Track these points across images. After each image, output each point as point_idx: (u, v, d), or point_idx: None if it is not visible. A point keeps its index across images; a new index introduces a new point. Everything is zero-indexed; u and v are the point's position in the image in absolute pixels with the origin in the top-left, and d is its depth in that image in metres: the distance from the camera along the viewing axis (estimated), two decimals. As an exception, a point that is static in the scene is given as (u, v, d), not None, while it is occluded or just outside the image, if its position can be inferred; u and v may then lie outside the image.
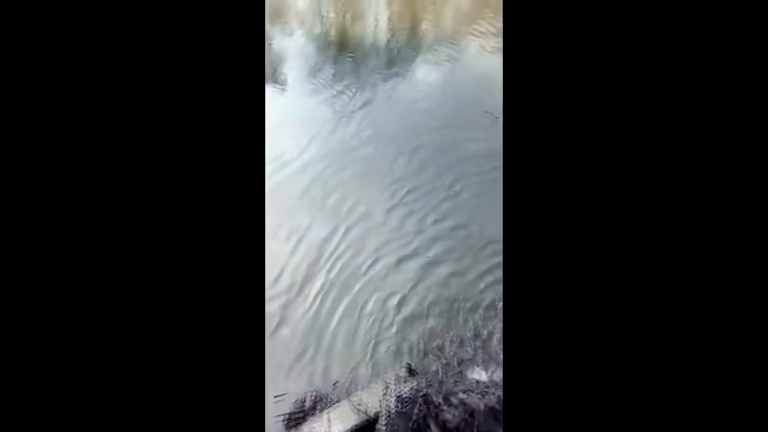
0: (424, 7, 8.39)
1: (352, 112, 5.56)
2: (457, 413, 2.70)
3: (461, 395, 2.80)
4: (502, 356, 3.20)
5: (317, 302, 3.59)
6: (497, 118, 5.36)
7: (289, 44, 7.11)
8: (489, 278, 3.73)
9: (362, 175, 4.69)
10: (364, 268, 3.82)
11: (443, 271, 3.82)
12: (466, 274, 3.78)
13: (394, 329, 3.43)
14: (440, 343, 3.34)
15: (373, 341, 3.36)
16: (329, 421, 2.80)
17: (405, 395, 2.81)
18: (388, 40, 7.30)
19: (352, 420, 2.79)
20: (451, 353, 3.28)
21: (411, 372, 3.09)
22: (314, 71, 6.36)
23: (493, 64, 6.53)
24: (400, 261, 3.89)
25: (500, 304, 3.51)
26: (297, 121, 5.42)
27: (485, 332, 3.40)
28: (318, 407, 2.98)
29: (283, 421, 2.94)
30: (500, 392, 2.79)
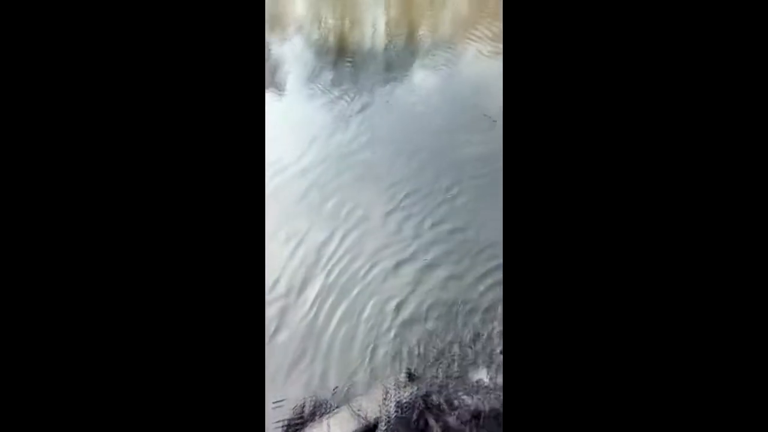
0: (421, 13, 8.43)
1: (350, 116, 5.58)
2: (459, 415, 2.69)
3: (464, 397, 2.80)
4: (502, 358, 3.18)
5: (315, 307, 3.58)
6: (494, 121, 5.37)
7: (287, 50, 7.13)
8: (487, 281, 3.72)
9: (360, 179, 4.70)
10: (362, 273, 3.81)
11: (441, 274, 3.81)
12: (464, 277, 3.78)
13: (392, 333, 3.42)
14: (440, 346, 3.33)
15: (372, 345, 3.35)
16: (329, 427, 2.78)
17: (405, 401, 2.80)
18: (386, 45, 7.32)
19: (352, 426, 2.77)
20: (451, 356, 3.26)
21: (411, 377, 3.08)
22: (312, 76, 6.38)
23: (490, 67, 6.55)
24: (399, 265, 3.89)
25: (500, 308, 3.50)
26: (295, 125, 5.43)
27: (485, 334, 3.39)
28: (317, 413, 2.96)
29: (282, 427, 2.93)
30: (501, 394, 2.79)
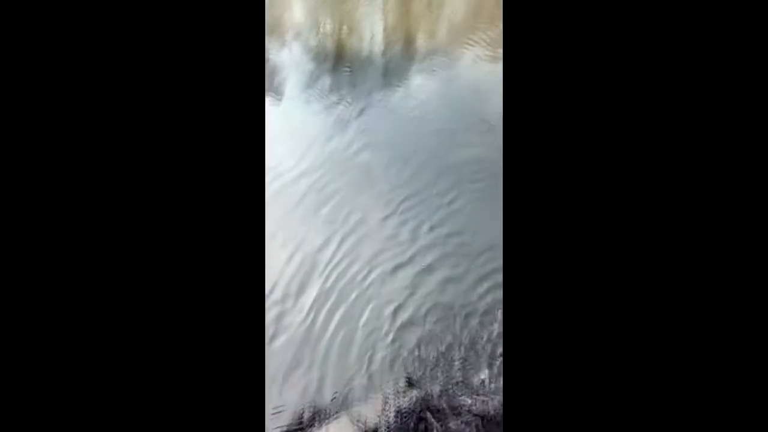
0: (419, 19, 8.49)
1: (348, 121, 5.59)
2: (461, 419, 2.67)
3: (465, 401, 2.79)
4: (502, 360, 3.17)
5: (313, 312, 3.55)
6: (492, 125, 5.38)
7: (285, 56, 7.17)
8: (486, 284, 3.70)
9: (358, 183, 4.69)
10: (359, 277, 3.80)
11: (439, 278, 3.79)
12: (462, 281, 3.76)
13: (390, 338, 3.40)
14: (439, 349, 3.31)
15: (370, 351, 3.32)
16: (327, 433, 2.76)
17: (404, 408, 2.78)
18: (384, 51, 7.36)
19: (351, 432, 2.75)
20: (451, 359, 3.24)
21: (410, 383, 3.06)
22: (310, 82, 6.41)
23: (488, 72, 6.57)
24: (396, 269, 3.87)
25: (500, 312, 3.48)
26: (293, 130, 5.44)
27: (484, 337, 3.36)
28: (316, 420, 2.93)
29: (281, 434, 2.90)
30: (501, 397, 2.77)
